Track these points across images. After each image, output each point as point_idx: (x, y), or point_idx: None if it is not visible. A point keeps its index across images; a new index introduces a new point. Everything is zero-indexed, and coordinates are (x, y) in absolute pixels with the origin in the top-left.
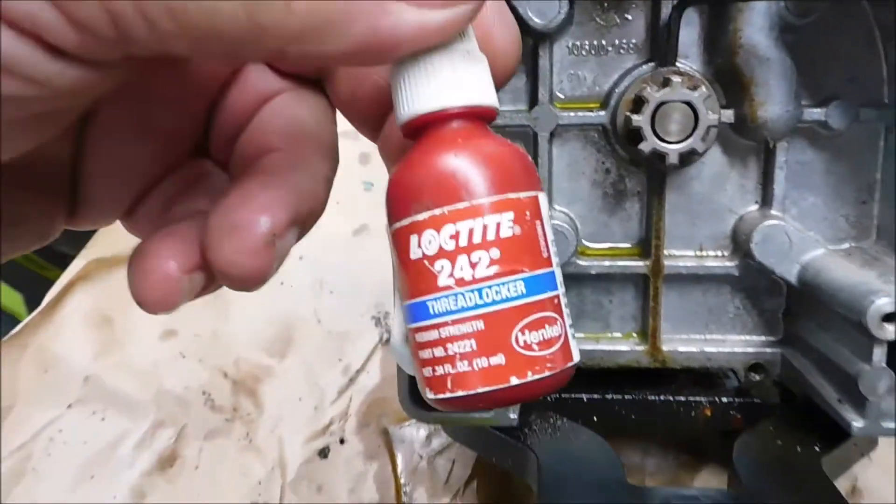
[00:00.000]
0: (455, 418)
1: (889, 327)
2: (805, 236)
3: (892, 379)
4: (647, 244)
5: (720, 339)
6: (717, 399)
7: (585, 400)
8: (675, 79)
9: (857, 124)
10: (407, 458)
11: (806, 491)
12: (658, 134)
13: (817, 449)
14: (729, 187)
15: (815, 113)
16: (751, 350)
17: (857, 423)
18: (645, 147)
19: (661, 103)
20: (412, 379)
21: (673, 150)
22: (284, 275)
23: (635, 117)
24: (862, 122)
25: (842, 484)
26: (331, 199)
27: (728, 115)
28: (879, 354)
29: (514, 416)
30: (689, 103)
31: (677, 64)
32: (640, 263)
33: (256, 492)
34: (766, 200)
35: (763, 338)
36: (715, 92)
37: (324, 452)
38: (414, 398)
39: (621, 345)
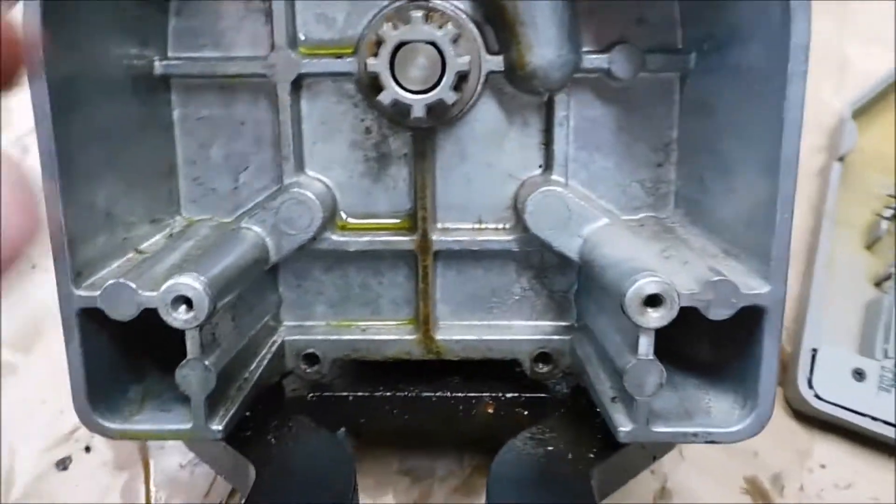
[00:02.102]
0: (146, 431)
1: (651, 313)
2: (585, 205)
3: (661, 375)
4: (416, 216)
5: (505, 326)
6: (500, 395)
7: (350, 399)
8: (417, 14)
9: (650, 75)
10: (164, 468)
11: None
12: (400, 82)
13: (591, 456)
14: (508, 148)
15: (597, 59)
16: (537, 337)
17: (624, 428)
18: (384, 97)
19: (401, 44)
20: (95, 378)
21: (417, 101)
22: (38, 256)
23: (371, 61)
24: (652, 72)
25: (651, 485)
26: None
27: (497, 61)
28: (646, 345)
29: (218, 427)
30: (433, 44)
31: (440, 1)
32: (406, 239)
33: None
34: (548, 164)
35: (552, 323)
36: (485, 36)
37: (63, 464)
38: (95, 404)
39: (391, 334)
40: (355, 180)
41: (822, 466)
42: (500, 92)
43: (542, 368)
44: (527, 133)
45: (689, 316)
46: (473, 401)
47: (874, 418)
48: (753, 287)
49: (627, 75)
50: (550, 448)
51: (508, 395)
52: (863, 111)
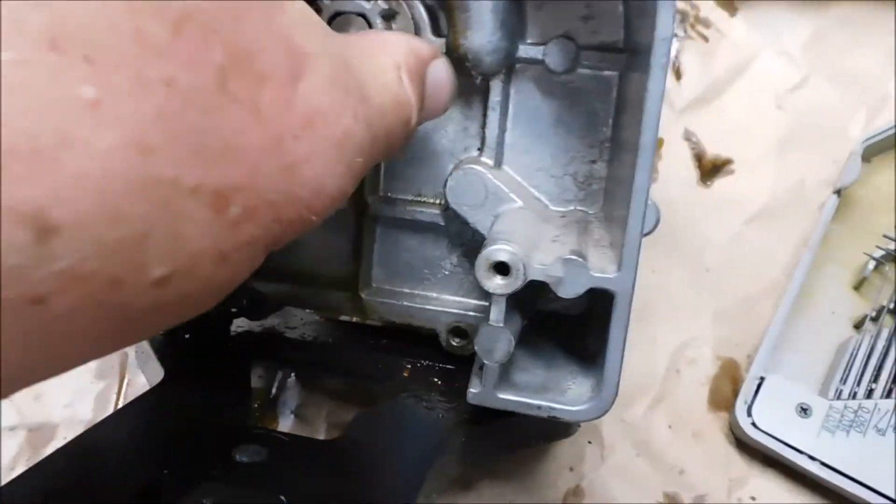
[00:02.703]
0: None
1: (497, 280)
2: (501, 186)
3: (510, 342)
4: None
5: (430, 297)
6: (417, 362)
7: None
8: None
9: (590, 72)
10: (137, 385)
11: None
12: None
13: (461, 417)
14: (450, 129)
15: (532, 50)
16: (456, 311)
17: (474, 390)
18: None
19: (336, 14)
20: None
21: None
22: None
23: None
24: (592, 69)
25: (567, 482)
26: None
27: (439, 43)
28: (496, 312)
29: None
30: (363, 16)
31: None
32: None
33: None
34: (481, 147)
35: (475, 301)
36: (437, 19)
37: None
38: None
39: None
40: None
41: (753, 498)
42: None
43: (457, 342)
44: (468, 116)
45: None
46: (393, 364)
47: (811, 457)
48: (606, 271)
49: (560, 68)
50: (426, 406)
51: (425, 363)
52: (880, 149)
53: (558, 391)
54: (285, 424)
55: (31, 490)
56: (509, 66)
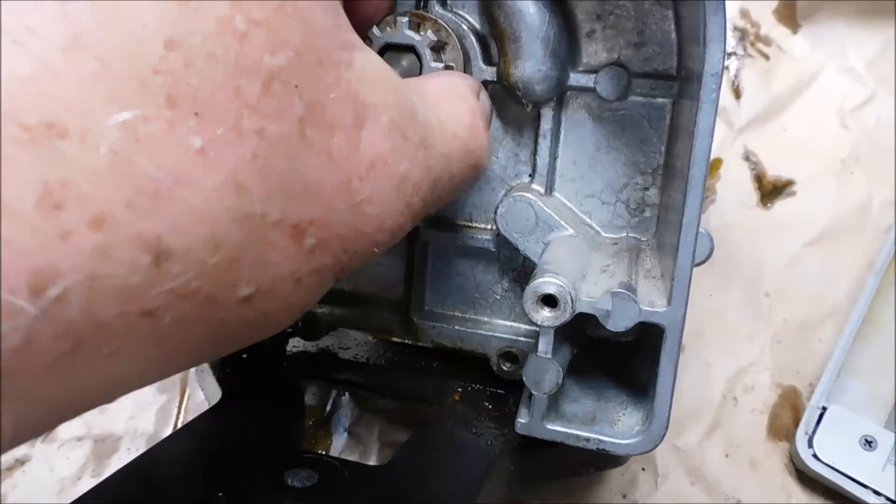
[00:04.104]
0: None
1: (545, 312)
2: (552, 214)
3: (558, 374)
4: None
5: (481, 321)
6: (468, 385)
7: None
8: (403, 19)
9: (643, 99)
10: (196, 400)
11: None
12: None
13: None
14: (502, 155)
15: (583, 78)
16: (507, 336)
17: (522, 420)
18: None
19: (387, 46)
20: None
21: None
22: None
23: None
24: (645, 96)
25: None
26: None
27: (490, 72)
28: (545, 344)
29: None
30: (413, 48)
31: (451, 11)
32: None
33: None
34: (532, 173)
35: (526, 326)
36: (488, 48)
37: None
38: None
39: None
40: None
41: None
42: (499, 102)
43: (508, 366)
44: (520, 143)
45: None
46: (444, 387)
47: (876, 492)
48: (655, 305)
49: (612, 96)
50: (475, 432)
51: (476, 387)
52: None
53: (608, 423)
54: (338, 442)
55: None
56: (561, 94)
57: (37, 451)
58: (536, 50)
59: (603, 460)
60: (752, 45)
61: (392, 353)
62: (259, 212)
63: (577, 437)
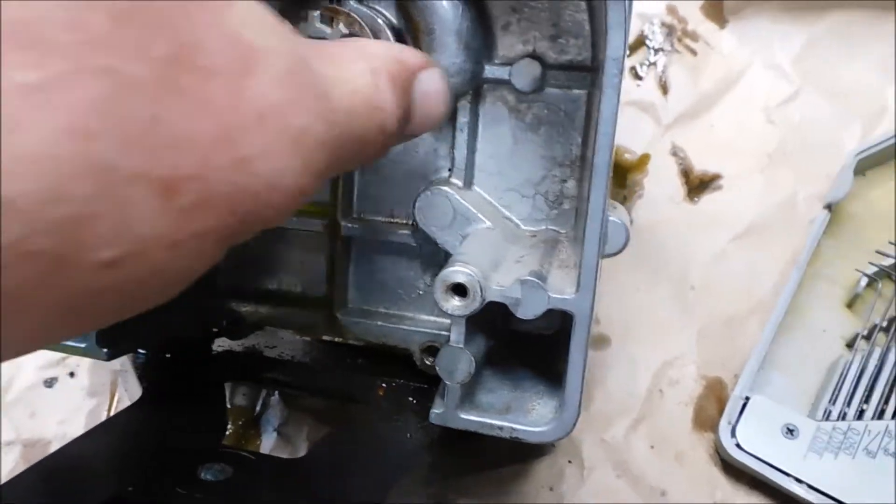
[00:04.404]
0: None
1: (454, 301)
2: (469, 207)
3: (470, 364)
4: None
5: (405, 317)
6: (392, 381)
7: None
8: (315, 13)
9: (559, 91)
10: (124, 402)
11: None
12: None
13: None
14: (421, 150)
15: (498, 70)
16: (429, 331)
17: (437, 410)
18: None
19: None
20: None
21: None
22: None
23: None
24: (561, 88)
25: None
26: None
27: None
28: (457, 334)
29: (104, 350)
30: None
31: (367, 6)
32: (318, 222)
33: None
34: (450, 168)
35: (447, 320)
36: (404, 42)
37: (50, 382)
38: None
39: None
40: None
41: None
42: None
43: (430, 361)
44: (438, 137)
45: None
46: (369, 383)
47: (798, 480)
48: (565, 293)
49: (527, 88)
50: (398, 425)
51: (400, 382)
52: (875, 162)
53: (522, 412)
54: (268, 442)
55: None
56: (477, 87)
57: None
58: (450, 43)
59: (523, 450)
60: (680, 40)
61: (318, 351)
62: (112, 163)
63: (491, 425)
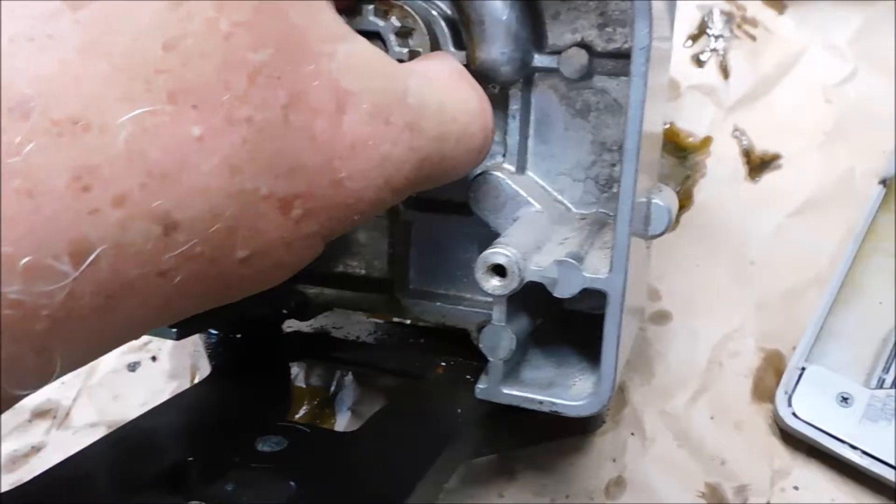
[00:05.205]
0: None
1: (494, 281)
2: (519, 191)
3: (512, 341)
4: None
5: (463, 297)
6: (452, 360)
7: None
8: (369, 7)
9: (611, 77)
10: None
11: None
12: None
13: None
14: None
15: (546, 59)
16: (484, 311)
17: (482, 385)
18: None
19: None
20: None
21: None
22: None
23: None
24: (608, 75)
25: (609, 472)
26: None
27: (461, 56)
28: (498, 312)
29: (174, 330)
30: (378, 34)
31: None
32: None
33: (54, 386)
34: (504, 153)
35: None
36: (458, 33)
37: (133, 367)
38: None
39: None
40: None
41: (796, 488)
42: None
43: None
44: (495, 125)
45: None
46: (429, 361)
47: (853, 447)
48: (599, 273)
49: (575, 76)
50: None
51: (458, 360)
52: None
53: (563, 388)
54: (342, 420)
55: (71, 471)
56: (528, 75)
57: (52, 438)
58: (499, 33)
59: (574, 425)
60: (739, 27)
61: (382, 331)
62: (250, 188)
63: (532, 399)
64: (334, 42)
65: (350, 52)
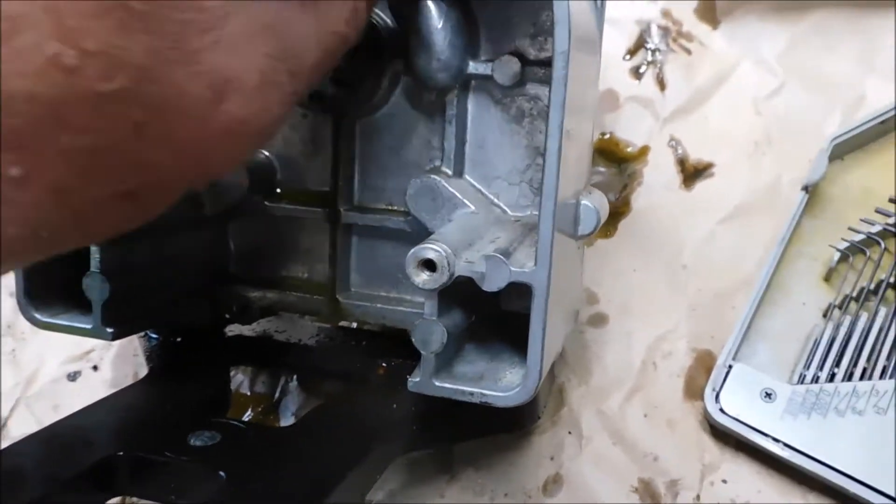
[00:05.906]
0: (60, 325)
1: (423, 275)
2: (455, 193)
3: (443, 335)
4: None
5: (403, 299)
6: (392, 361)
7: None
8: None
9: (543, 84)
10: None
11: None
12: None
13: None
14: (416, 141)
15: (480, 66)
16: (423, 312)
17: (414, 379)
18: None
19: None
20: (32, 282)
21: None
22: None
23: None
24: (541, 82)
25: (547, 470)
26: None
27: (400, 63)
28: (430, 306)
29: (109, 330)
30: None
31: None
32: (320, 210)
33: None
34: (442, 158)
35: None
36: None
37: (73, 376)
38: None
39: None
40: (294, 158)
41: (724, 482)
42: (410, 91)
43: None
44: (431, 129)
45: None
46: (370, 363)
47: (775, 439)
48: (525, 267)
49: (508, 83)
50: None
51: (398, 361)
52: (852, 146)
53: (493, 380)
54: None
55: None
56: (464, 81)
57: None
58: (436, 41)
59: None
60: (675, 41)
61: (324, 334)
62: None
63: (463, 391)
64: (213, 29)
65: (235, 24)
